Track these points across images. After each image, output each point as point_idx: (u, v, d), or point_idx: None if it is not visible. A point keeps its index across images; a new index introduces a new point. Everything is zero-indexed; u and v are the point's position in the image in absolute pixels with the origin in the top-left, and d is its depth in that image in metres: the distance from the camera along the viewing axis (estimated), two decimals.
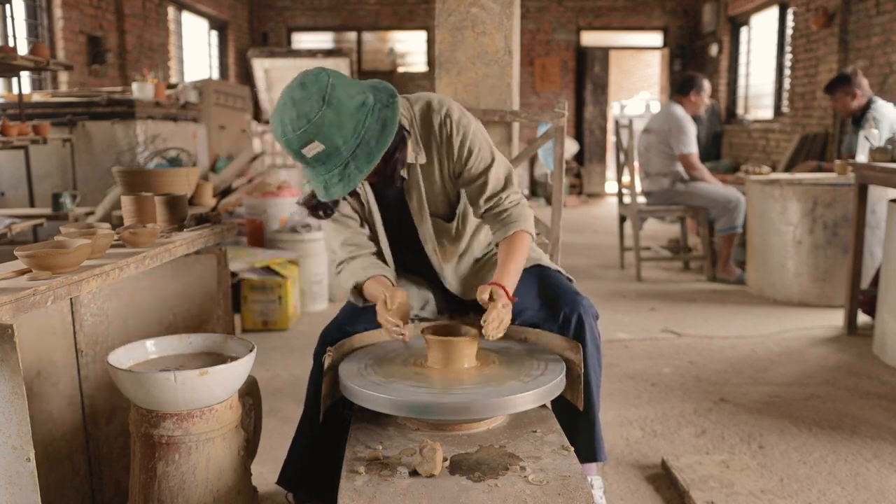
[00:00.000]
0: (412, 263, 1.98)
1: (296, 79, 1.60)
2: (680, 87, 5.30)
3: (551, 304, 1.81)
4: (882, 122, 4.48)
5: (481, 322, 1.64)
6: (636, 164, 5.33)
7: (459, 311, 2.00)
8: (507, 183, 1.86)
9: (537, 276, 1.90)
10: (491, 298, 1.67)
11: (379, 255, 1.92)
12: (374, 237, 1.92)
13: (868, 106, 4.63)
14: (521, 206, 1.86)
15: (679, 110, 5.17)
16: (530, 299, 1.84)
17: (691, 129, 5.11)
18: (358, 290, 1.84)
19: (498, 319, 1.64)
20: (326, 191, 1.62)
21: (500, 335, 1.66)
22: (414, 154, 1.80)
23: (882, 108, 4.57)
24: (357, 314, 1.86)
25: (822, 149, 6.87)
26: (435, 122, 1.79)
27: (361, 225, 1.91)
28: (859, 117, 4.70)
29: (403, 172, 1.79)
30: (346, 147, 1.57)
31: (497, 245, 1.85)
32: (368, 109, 1.60)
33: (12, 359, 1.21)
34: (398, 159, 1.73)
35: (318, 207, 1.79)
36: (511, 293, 1.72)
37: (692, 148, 5.09)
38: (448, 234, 1.93)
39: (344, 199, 1.83)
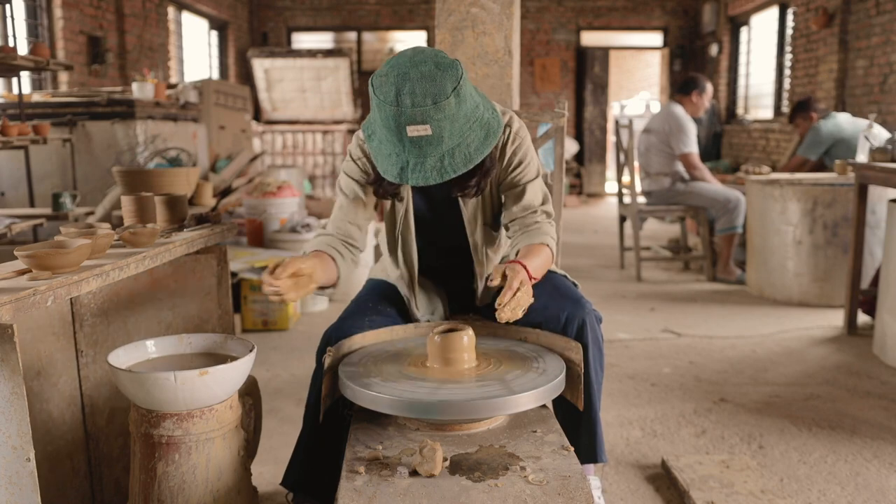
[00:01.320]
0: (434, 268, 1.97)
1: (425, 53, 1.55)
2: (682, 86, 5.29)
3: (554, 305, 1.80)
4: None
5: (496, 305, 1.53)
6: (636, 164, 5.33)
7: (461, 314, 2.01)
8: (545, 200, 1.86)
9: (542, 279, 1.89)
10: (504, 277, 1.56)
11: (392, 254, 1.90)
12: (392, 233, 1.89)
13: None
14: (550, 225, 1.84)
15: (679, 110, 5.17)
16: (534, 300, 1.83)
17: (691, 129, 5.11)
18: None
19: (515, 301, 1.53)
20: (402, 173, 1.58)
21: (517, 316, 1.55)
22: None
23: (825, 125, 5.19)
24: (359, 314, 1.86)
25: None
26: None
27: (373, 214, 1.87)
28: None
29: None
30: (449, 142, 1.55)
31: (517, 253, 1.79)
32: (480, 113, 1.59)
33: (12, 359, 1.21)
34: (486, 170, 1.72)
35: (378, 182, 1.76)
36: (531, 273, 1.62)
37: (692, 147, 5.09)
38: (491, 243, 1.93)
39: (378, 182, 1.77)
